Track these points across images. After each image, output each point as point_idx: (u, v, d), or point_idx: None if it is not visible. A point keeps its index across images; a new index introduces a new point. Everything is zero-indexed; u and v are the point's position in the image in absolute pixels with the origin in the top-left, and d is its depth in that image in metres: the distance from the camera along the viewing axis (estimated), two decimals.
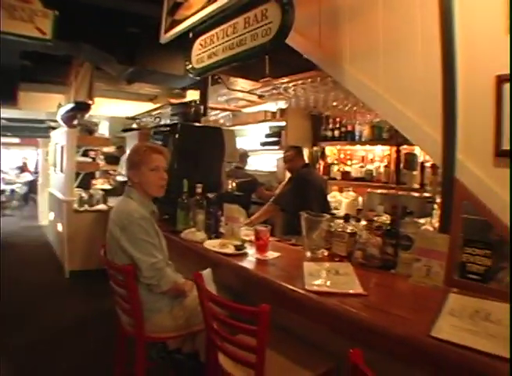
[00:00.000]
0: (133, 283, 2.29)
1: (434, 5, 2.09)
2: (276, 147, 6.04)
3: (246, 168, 5.81)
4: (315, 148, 5.85)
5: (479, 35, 1.98)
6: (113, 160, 7.27)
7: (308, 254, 2.51)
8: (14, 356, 3.42)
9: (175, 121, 4.09)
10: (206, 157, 3.83)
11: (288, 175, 4.62)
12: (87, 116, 6.19)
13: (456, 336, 1.39)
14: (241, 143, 5.92)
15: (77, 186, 6.21)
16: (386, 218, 2.38)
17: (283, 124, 5.91)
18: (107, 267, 2.47)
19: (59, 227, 6.39)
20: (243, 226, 3.10)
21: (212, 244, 2.76)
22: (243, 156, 5.62)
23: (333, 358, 1.94)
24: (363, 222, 2.55)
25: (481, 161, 1.97)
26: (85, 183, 6.40)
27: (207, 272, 2.49)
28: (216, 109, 6.46)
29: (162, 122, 6.96)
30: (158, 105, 7.59)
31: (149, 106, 7.97)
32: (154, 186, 2.49)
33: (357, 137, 5.25)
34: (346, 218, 2.57)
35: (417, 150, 4.38)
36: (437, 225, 2.27)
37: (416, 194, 4.15)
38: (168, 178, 2.55)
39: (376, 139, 5.01)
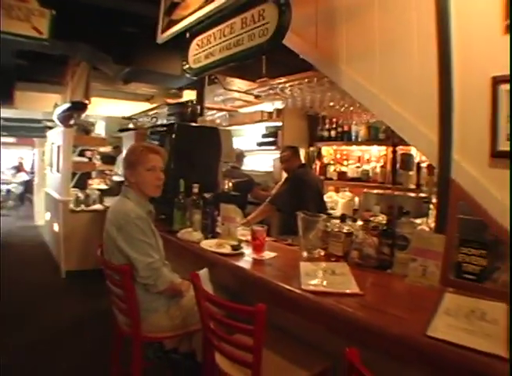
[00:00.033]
0: (130, 283, 2.29)
1: (430, 6, 2.10)
2: (273, 147, 6.04)
3: (243, 168, 5.82)
4: (311, 148, 5.85)
5: (475, 36, 1.99)
6: (109, 160, 7.27)
7: (305, 254, 2.51)
8: (8, 356, 3.41)
9: (172, 121, 4.08)
10: (202, 157, 3.82)
11: (284, 175, 4.63)
12: (83, 116, 6.17)
13: (452, 335, 1.40)
14: (238, 143, 5.91)
15: (74, 186, 6.21)
16: (382, 219, 2.40)
17: (279, 124, 5.91)
18: (104, 267, 2.46)
19: (56, 227, 6.37)
20: (239, 226, 3.10)
21: (209, 244, 2.76)
22: (240, 156, 5.63)
23: (330, 357, 1.95)
24: (359, 222, 2.56)
25: (476, 162, 1.98)
26: (82, 183, 6.39)
27: (203, 272, 2.49)
28: (213, 109, 6.45)
29: (159, 122, 6.96)
30: (155, 105, 7.57)
31: (146, 106, 7.94)
32: (151, 186, 2.48)
33: (353, 137, 5.26)
34: (342, 218, 2.58)
35: (413, 151, 4.39)
36: (433, 225, 2.27)
37: (412, 194, 4.16)
38: (165, 178, 2.55)
39: (372, 139, 5.02)
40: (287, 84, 4.25)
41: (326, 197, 4.89)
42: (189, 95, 6.49)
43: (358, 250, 2.33)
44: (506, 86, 1.85)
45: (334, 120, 5.46)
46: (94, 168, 6.97)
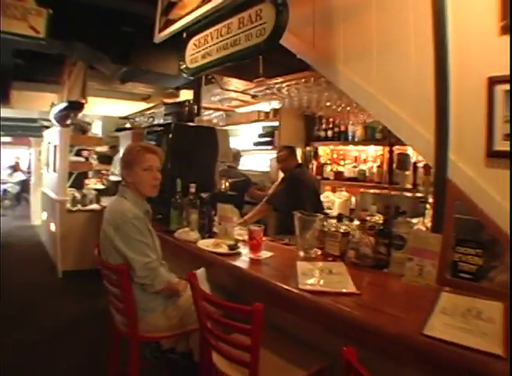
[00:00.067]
0: (127, 283, 2.29)
1: (427, 6, 2.11)
2: (269, 147, 6.04)
3: (239, 167, 5.81)
4: (308, 148, 5.85)
5: (471, 37, 2.00)
6: (106, 159, 7.25)
7: (302, 253, 2.52)
8: (3, 356, 3.40)
9: (169, 121, 4.08)
10: (199, 157, 3.82)
11: (281, 175, 4.63)
12: (80, 115, 6.16)
13: (448, 334, 1.41)
14: (234, 143, 5.91)
15: (70, 186, 6.19)
16: (379, 218, 2.40)
17: (276, 124, 5.90)
18: (101, 267, 2.46)
19: (52, 227, 6.36)
20: (236, 226, 3.11)
21: (206, 244, 2.76)
22: (236, 155, 5.63)
23: (327, 357, 1.95)
24: (356, 222, 2.56)
25: (473, 162, 1.99)
26: (78, 183, 6.38)
27: (200, 272, 2.50)
28: (209, 109, 6.45)
29: (155, 122, 6.93)
30: (152, 104, 7.55)
31: (143, 105, 7.94)
32: (147, 185, 2.48)
33: (350, 137, 5.26)
34: (339, 217, 2.59)
35: (410, 151, 4.40)
36: (429, 224, 2.28)
37: (409, 194, 4.16)
38: (162, 178, 2.55)
39: (369, 139, 5.03)
40: (284, 84, 4.26)
41: (322, 197, 4.89)
42: (186, 94, 6.49)
43: (354, 249, 2.34)
44: (502, 86, 1.86)
45: (331, 120, 5.47)
46: (91, 168, 6.95)
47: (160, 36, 3.42)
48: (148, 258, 2.31)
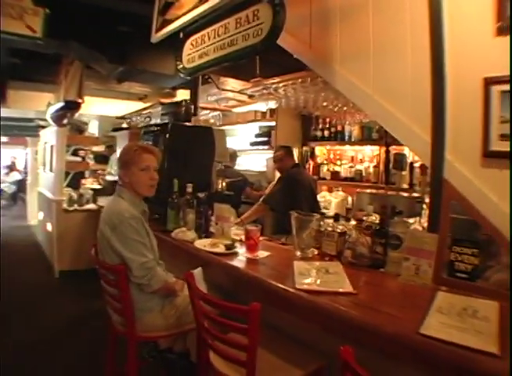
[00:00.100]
0: (124, 283, 2.29)
1: (424, 7, 2.11)
2: (266, 147, 6.06)
3: (236, 167, 5.82)
4: (304, 148, 5.87)
5: (468, 37, 2.01)
6: (102, 159, 7.25)
7: (298, 253, 2.52)
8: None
9: (166, 121, 4.07)
10: (196, 157, 3.82)
11: (278, 174, 4.64)
12: (77, 115, 6.13)
13: (445, 333, 1.41)
14: (231, 143, 5.91)
15: (67, 186, 6.18)
16: (375, 218, 2.40)
17: (272, 124, 5.92)
18: (98, 267, 2.46)
19: (49, 227, 6.35)
20: (233, 226, 3.11)
21: (203, 244, 2.76)
22: (232, 155, 5.64)
23: (324, 356, 1.95)
24: (353, 222, 2.57)
25: (469, 162, 1.99)
26: (75, 183, 6.36)
27: (197, 272, 2.49)
28: (206, 108, 6.44)
29: (152, 122, 6.94)
30: (148, 104, 7.55)
31: (140, 105, 7.91)
32: (144, 185, 2.48)
33: (346, 137, 5.28)
34: (336, 217, 2.59)
35: (406, 151, 4.42)
36: (426, 224, 2.29)
37: (405, 194, 4.18)
38: (159, 178, 2.55)
39: (365, 139, 5.05)
40: (281, 84, 4.26)
41: (319, 197, 4.91)
42: (183, 94, 6.48)
43: (351, 249, 2.34)
44: (498, 87, 1.87)
45: (328, 120, 5.49)
46: (87, 168, 6.93)
47: (157, 36, 3.42)
48: (145, 257, 2.31)
